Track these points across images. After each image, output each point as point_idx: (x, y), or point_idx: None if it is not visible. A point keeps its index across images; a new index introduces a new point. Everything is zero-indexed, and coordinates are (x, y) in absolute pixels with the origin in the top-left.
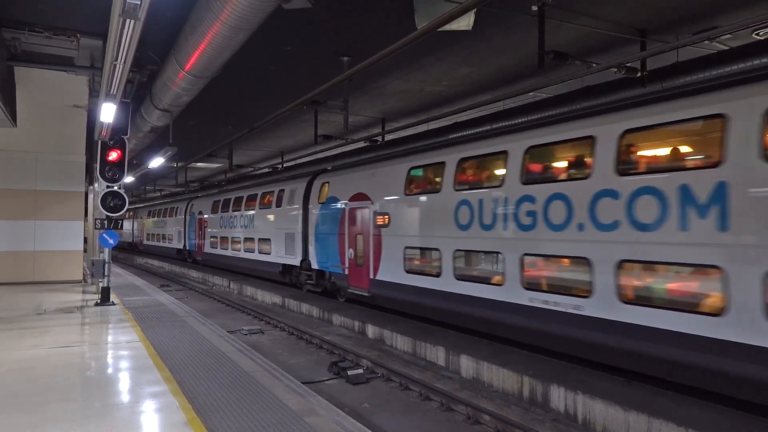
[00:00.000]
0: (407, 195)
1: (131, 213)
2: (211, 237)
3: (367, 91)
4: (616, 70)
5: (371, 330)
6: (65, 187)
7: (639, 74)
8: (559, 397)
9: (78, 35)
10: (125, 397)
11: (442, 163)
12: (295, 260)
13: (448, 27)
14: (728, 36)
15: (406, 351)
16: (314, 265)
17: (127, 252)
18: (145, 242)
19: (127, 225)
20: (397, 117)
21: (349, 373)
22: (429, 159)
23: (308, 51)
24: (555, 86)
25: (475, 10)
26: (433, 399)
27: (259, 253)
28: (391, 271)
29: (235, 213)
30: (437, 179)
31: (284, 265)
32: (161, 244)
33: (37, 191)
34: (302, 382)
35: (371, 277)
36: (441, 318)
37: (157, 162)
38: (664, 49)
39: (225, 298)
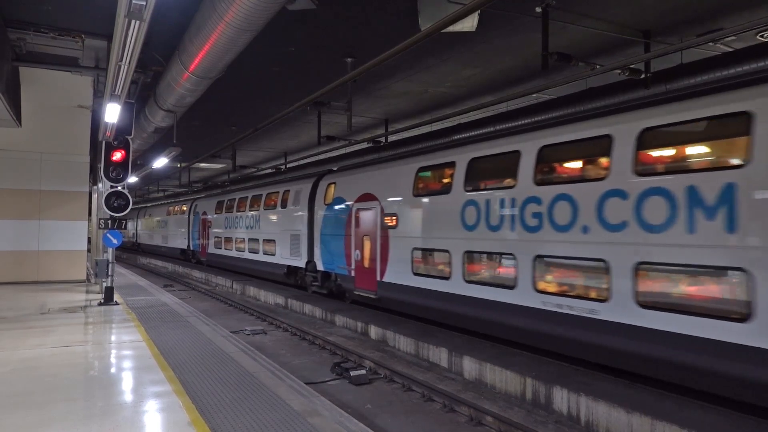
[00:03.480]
0: (416, 196)
1: (134, 213)
2: (215, 237)
3: (370, 92)
4: (620, 71)
5: (374, 331)
6: (69, 187)
7: (643, 76)
8: (562, 398)
9: (83, 36)
10: (128, 396)
11: (452, 163)
12: (301, 262)
13: (452, 28)
14: (732, 38)
15: (409, 352)
16: (320, 267)
17: (130, 252)
18: (148, 242)
19: (129, 225)
20: (400, 118)
21: (352, 373)
22: (439, 159)
23: (312, 52)
24: (558, 87)
25: (479, 11)
26: (436, 400)
27: (264, 254)
28: (398, 273)
29: (240, 214)
30: (447, 180)
31: (289, 267)
32: (165, 244)
33: (42, 191)
34: (305, 383)
35: (378, 279)
36: (450, 321)
37: (160, 162)
38: (669, 50)
39: (228, 299)
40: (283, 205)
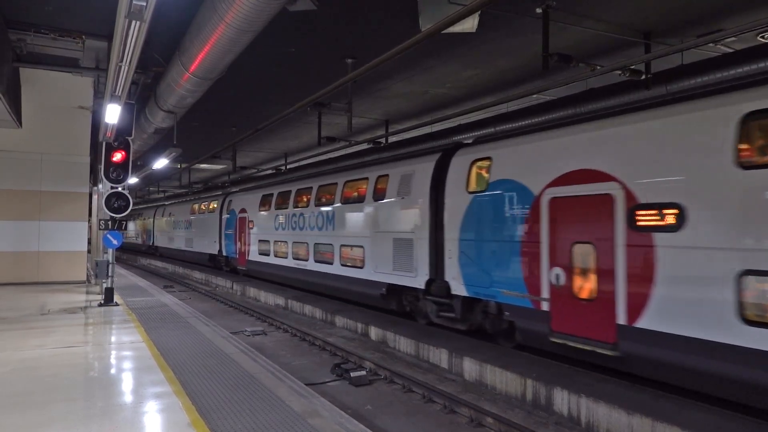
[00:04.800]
0: (745, 167)
1: (151, 212)
2: (261, 241)
3: (371, 93)
4: (620, 72)
5: (374, 332)
6: (69, 188)
7: (643, 77)
8: (562, 400)
9: (83, 36)
10: (128, 397)
11: None
12: (415, 279)
13: (452, 29)
14: (733, 39)
15: (409, 353)
16: (458, 290)
17: (130, 253)
18: (168, 245)
19: (145, 226)
20: (400, 119)
21: (352, 374)
22: None
23: (312, 53)
24: (559, 88)
25: (479, 12)
26: (436, 401)
27: (343, 266)
28: (687, 316)
29: (299, 210)
30: None
31: (391, 286)
32: (189, 248)
33: (42, 192)
34: (305, 384)
35: (623, 321)
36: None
37: (161, 163)
38: (669, 51)
39: (228, 299)
40: (378, 197)
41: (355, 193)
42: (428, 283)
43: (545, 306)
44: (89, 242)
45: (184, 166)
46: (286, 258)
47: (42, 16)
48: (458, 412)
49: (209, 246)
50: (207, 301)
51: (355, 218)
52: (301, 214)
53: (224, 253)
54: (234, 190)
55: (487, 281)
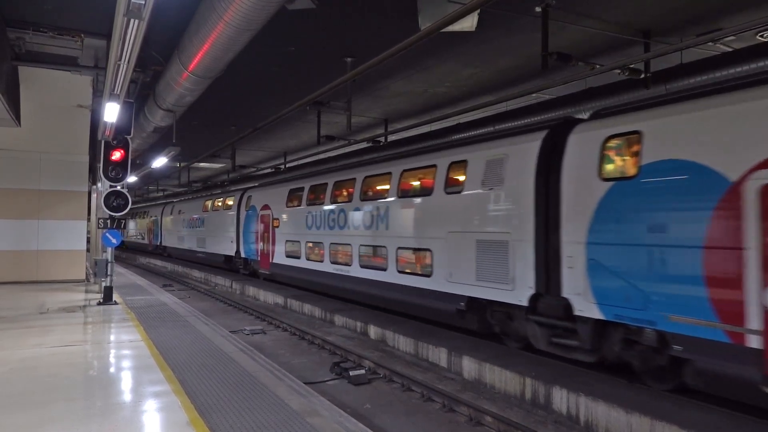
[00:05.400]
0: None
1: (159, 209)
2: (289, 242)
3: (370, 92)
4: (619, 71)
5: (373, 331)
6: (69, 187)
7: (643, 76)
8: (561, 399)
9: (82, 35)
10: (127, 396)
11: None
12: (512, 292)
13: (451, 28)
14: (732, 38)
15: (408, 352)
16: (586, 310)
17: (134, 253)
18: (177, 245)
19: (152, 224)
20: (400, 118)
21: (351, 373)
22: None
23: (312, 52)
24: (558, 87)
25: (478, 11)
26: (435, 400)
27: (401, 273)
28: None
29: (340, 206)
30: None
31: (474, 300)
32: (202, 248)
33: (41, 191)
34: (304, 383)
35: None
36: None
37: (160, 162)
38: (668, 50)
39: (227, 298)
40: (452, 188)
41: (417, 185)
42: (533, 298)
43: (754, 341)
44: (88, 241)
45: (183, 164)
46: (321, 262)
47: (41, 14)
48: (457, 411)
49: (225, 246)
50: (206, 299)
51: (419, 215)
52: (342, 211)
53: (243, 255)
54: (253, 185)
55: (640, 300)
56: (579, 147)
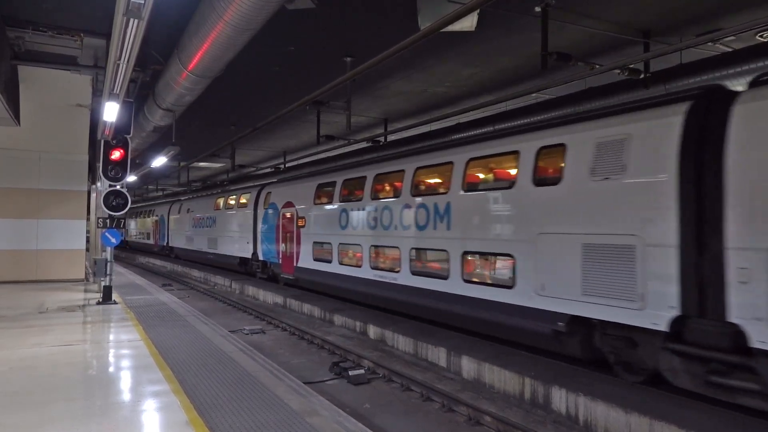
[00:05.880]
0: None
1: (165, 208)
2: (317, 243)
3: (370, 91)
4: (619, 71)
5: (373, 331)
6: (68, 186)
7: (642, 76)
8: (560, 398)
9: (81, 34)
10: (127, 396)
11: None
12: (641, 313)
13: (451, 28)
14: (731, 38)
15: (408, 352)
16: None
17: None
18: (186, 246)
19: (158, 224)
20: (399, 118)
21: (351, 373)
22: None
23: (311, 51)
24: (558, 87)
25: (478, 11)
26: (435, 400)
27: (468, 282)
28: None
29: (383, 202)
30: None
31: (578, 319)
32: (213, 250)
33: (40, 190)
34: (303, 382)
35: None
36: None
37: (159, 161)
38: (668, 50)
39: (227, 298)
40: (543, 179)
41: (490, 176)
42: (676, 322)
43: None
44: (88, 240)
45: (182, 164)
46: (359, 267)
47: (40, 13)
48: (456, 410)
49: (240, 248)
50: (205, 299)
51: (494, 213)
52: (386, 209)
53: (261, 257)
54: (271, 181)
55: None
56: (755, 121)
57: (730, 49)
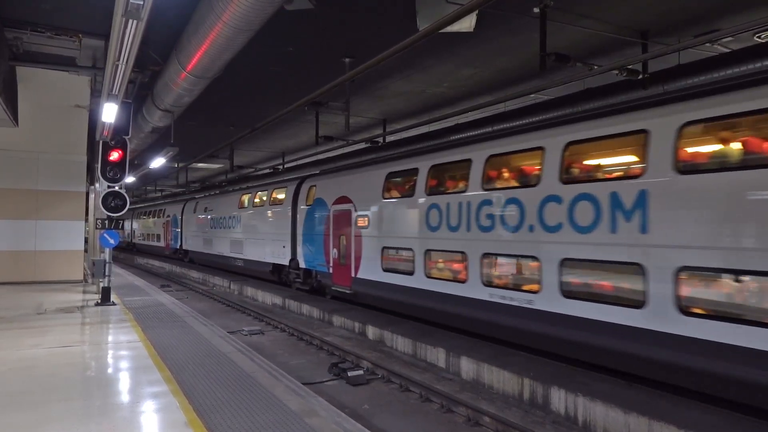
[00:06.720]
0: None
1: (179, 207)
2: (388, 249)
3: (368, 92)
4: (617, 72)
5: (371, 331)
6: (66, 187)
7: (640, 76)
8: (559, 399)
9: (80, 35)
10: (126, 396)
11: None
12: None
13: (450, 29)
14: (729, 39)
15: (407, 352)
16: None
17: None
18: (205, 250)
19: (164, 224)
20: (398, 118)
21: (350, 374)
22: None
23: (310, 52)
24: (556, 88)
25: (477, 11)
26: (434, 400)
27: (686, 314)
28: None
29: (507, 192)
30: None
31: None
32: (238, 254)
33: (39, 191)
34: (302, 383)
35: None
36: None
37: (158, 162)
38: (666, 51)
39: (225, 299)
40: None
41: (691, 160)
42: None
43: None
44: (86, 241)
45: (181, 165)
46: (462, 283)
47: (39, 14)
48: (455, 411)
49: (273, 252)
50: (204, 300)
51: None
52: (514, 201)
53: (303, 265)
54: (313, 173)
55: None
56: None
57: (728, 50)
